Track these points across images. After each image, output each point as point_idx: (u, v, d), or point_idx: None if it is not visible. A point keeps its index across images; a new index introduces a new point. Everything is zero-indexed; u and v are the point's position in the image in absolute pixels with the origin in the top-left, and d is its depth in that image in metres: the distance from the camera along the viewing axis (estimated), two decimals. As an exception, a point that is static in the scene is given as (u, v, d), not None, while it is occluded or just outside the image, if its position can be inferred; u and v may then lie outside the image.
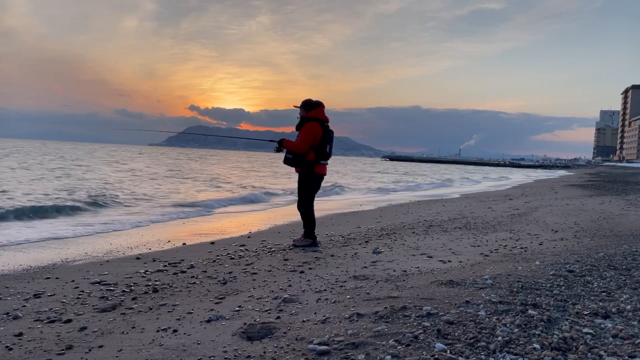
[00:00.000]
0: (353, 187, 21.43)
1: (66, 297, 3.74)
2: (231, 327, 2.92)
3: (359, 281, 3.99)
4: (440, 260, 4.91)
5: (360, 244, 6.11)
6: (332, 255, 5.30)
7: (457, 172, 51.34)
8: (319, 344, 2.51)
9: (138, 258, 5.38)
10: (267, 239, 6.77)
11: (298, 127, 5.93)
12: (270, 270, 4.60)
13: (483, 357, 2.31)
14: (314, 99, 6.08)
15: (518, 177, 43.48)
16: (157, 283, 4.16)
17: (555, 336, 2.57)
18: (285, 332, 2.75)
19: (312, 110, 5.92)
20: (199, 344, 2.66)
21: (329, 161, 6.11)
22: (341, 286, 3.83)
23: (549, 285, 3.66)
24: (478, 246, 5.82)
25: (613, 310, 3.06)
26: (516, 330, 2.65)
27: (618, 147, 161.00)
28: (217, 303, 3.52)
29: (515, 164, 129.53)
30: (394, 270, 4.40)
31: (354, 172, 40.76)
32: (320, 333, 2.69)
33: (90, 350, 2.64)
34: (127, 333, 2.90)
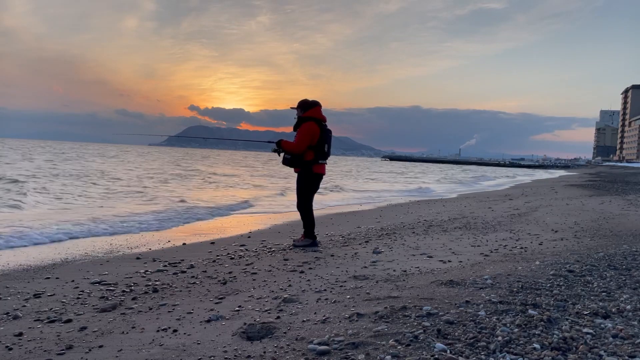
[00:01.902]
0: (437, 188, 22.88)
1: (66, 297, 3.74)
2: (231, 327, 2.92)
3: (359, 281, 3.99)
4: (440, 260, 4.91)
5: (360, 244, 6.11)
6: (332, 255, 5.30)
7: (466, 172, 51.99)
8: (319, 343, 2.51)
9: (138, 258, 5.38)
10: (267, 239, 6.77)
11: (295, 128, 5.94)
12: (270, 270, 4.60)
13: (483, 357, 2.31)
14: (311, 99, 6.10)
15: (522, 176, 45.73)
16: (157, 283, 4.16)
17: (555, 336, 2.57)
18: (285, 332, 2.75)
19: (309, 110, 5.93)
20: (199, 344, 2.66)
21: (327, 160, 6.13)
22: (341, 286, 3.83)
23: (549, 285, 3.66)
24: (478, 246, 5.82)
25: (613, 310, 3.06)
26: (516, 330, 2.65)
27: (618, 147, 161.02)
28: (217, 303, 3.52)
29: (516, 164, 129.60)
30: (394, 270, 4.40)
31: (368, 175, 38.21)
32: (320, 333, 2.69)
33: (90, 350, 2.64)
34: (127, 333, 2.90)
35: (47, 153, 48.90)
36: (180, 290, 3.92)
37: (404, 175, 36.99)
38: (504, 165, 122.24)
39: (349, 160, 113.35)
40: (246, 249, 5.88)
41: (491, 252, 5.38)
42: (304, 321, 2.93)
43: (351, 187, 20.95)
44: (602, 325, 2.76)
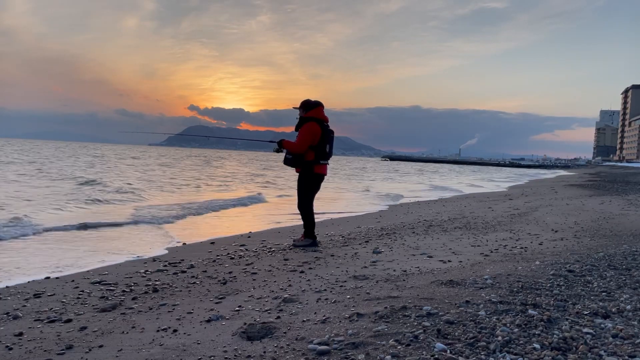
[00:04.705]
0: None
1: (66, 297, 3.74)
2: (231, 327, 2.92)
3: (359, 281, 3.99)
4: (440, 260, 4.91)
5: (360, 244, 6.11)
6: (332, 255, 5.29)
7: (482, 173, 53.03)
8: (319, 343, 2.51)
9: (138, 257, 5.38)
10: (267, 239, 6.77)
11: (297, 128, 5.94)
12: (270, 270, 4.60)
13: (483, 357, 2.31)
14: (313, 99, 6.10)
15: (535, 176, 47.27)
16: (157, 283, 4.16)
17: (555, 336, 2.57)
18: (285, 332, 2.75)
19: (311, 111, 5.94)
20: (199, 343, 2.66)
21: (329, 161, 6.12)
22: (341, 286, 3.83)
23: (549, 285, 3.66)
24: (478, 246, 5.82)
25: (613, 310, 3.06)
26: (516, 330, 2.65)
27: (618, 147, 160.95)
28: (217, 303, 3.52)
29: (516, 164, 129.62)
30: (394, 270, 4.40)
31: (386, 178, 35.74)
32: (320, 333, 2.69)
33: (90, 350, 2.64)
34: (127, 333, 2.90)
35: (113, 157, 47.66)
36: (180, 290, 3.92)
37: (462, 176, 41.50)
38: (504, 165, 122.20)
39: (352, 160, 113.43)
40: (246, 249, 5.88)
41: (491, 252, 5.38)
42: (304, 321, 2.93)
43: (456, 187, 24.11)
44: (602, 325, 2.76)
